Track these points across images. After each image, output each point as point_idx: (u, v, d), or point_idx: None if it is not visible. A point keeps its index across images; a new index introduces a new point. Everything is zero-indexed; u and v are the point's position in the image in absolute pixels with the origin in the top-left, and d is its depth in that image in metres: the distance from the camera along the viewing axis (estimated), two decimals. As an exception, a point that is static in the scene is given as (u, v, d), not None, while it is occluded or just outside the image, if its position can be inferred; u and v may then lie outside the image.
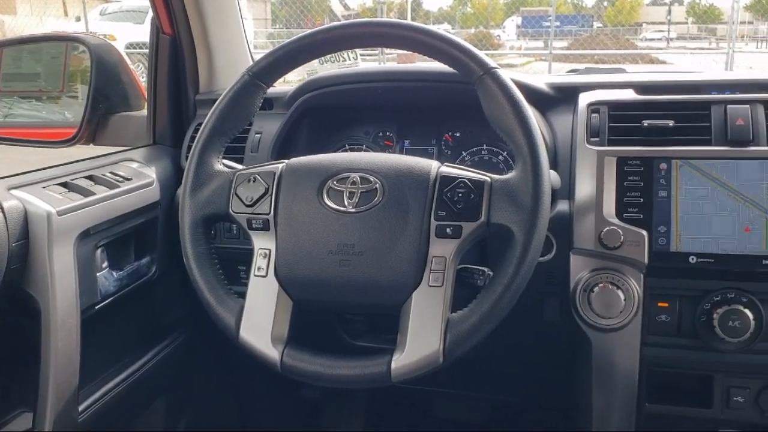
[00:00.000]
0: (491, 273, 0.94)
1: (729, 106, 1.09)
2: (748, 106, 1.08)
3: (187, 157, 1.03)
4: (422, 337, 0.89)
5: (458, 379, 1.53)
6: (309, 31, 1.03)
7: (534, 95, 1.22)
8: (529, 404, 1.68)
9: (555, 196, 1.14)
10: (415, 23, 0.99)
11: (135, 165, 1.38)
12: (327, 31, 1.01)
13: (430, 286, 0.90)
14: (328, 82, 1.35)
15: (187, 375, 1.62)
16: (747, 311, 1.03)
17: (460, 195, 0.91)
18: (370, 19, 1.03)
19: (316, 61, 1.58)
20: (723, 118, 1.08)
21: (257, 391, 1.82)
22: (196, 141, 1.02)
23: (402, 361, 0.89)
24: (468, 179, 0.92)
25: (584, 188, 1.12)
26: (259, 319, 0.94)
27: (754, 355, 1.07)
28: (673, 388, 1.16)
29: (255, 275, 0.96)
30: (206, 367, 1.69)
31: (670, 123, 1.10)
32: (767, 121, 1.07)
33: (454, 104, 1.27)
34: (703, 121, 1.10)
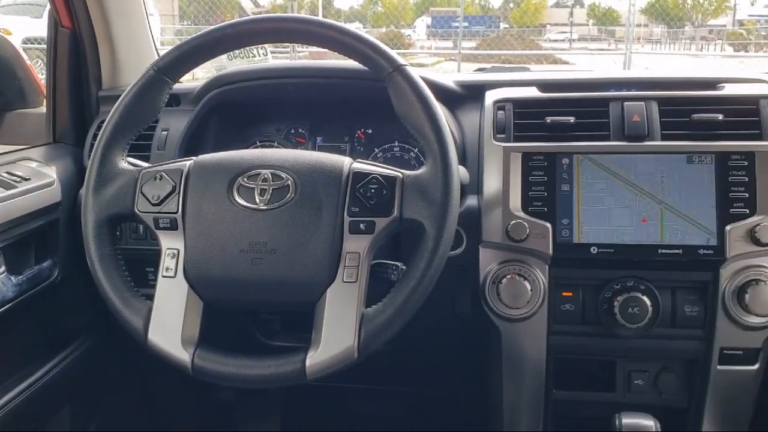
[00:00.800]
0: (404, 267, 0.95)
1: (626, 103, 1.15)
2: (643, 103, 1.14)
3: (89, 156, 0.99)
4: (337, 333, 0.89)
5: (374, 374, 1.54)
6: (217, 25, 1.01)
7: (443, 93, 1.24)
8: (444, 395, 1.71)
9: (464, 191, 1.17)
10: (325, 20, 0.99)
11: (34, 164, 1.31)
12: (236, 25, 1.00)
13: (345, 282, 0.90)
14: (237, 78, 1.33)
15: (96, 381, 1.56)
16: (645, 298, 1.09)
17: (372, 191, 0.92)
18: (280, 15, 1.02)
19: (224, 57, 1.55)
20: (620, 115, 1.14)
21: (169, 396, 1.78)
22: (98, 138, 0.99)
23: (317, 358, 0.89)
24: (380, 175, 0.93)
25: (492, 183, 1.15)
26: (169, 321, 0.92)
27: (652, 340, 1.13)
28: (578, 374, 1.21)
29: (163, 276, 0.93)
30: (115, 372, 1.63)
31: (572, 119, 1.14)
32: (661, 117, 1.13)
33: (366, 101, 1.28)
34: (602, 117, 1.15)
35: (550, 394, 1.21)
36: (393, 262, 1.00)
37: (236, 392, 1.78)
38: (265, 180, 0.94)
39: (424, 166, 0.93)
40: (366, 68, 0.98)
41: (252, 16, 1.02)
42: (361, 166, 0.95)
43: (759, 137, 1.09)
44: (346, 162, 0.95)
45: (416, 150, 1.34)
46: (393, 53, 0.96)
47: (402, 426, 1.82)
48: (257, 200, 0.93)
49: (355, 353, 0.89)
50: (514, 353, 1.18)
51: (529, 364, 1.18)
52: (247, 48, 1.62)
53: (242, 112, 1.39)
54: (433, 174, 0.91)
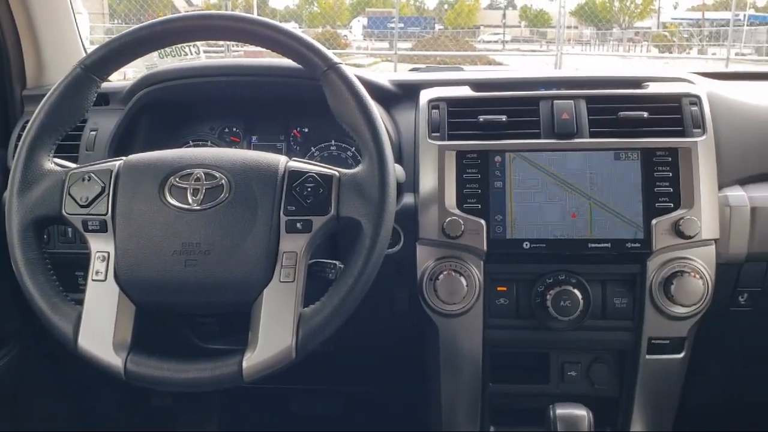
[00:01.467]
0: (342, 266, 0.95)
1: (555, 101, 1.17)
2: (572, 101, 1.17)
3: (14, 157, 0.96)
4: (274, 334, 0.88)
5: (314, 374, 1.54)
6: (147, 22, 0.99)
7: (378, 91, 1.25)
8: (384, 393, 1.72)
9: (401, 189, 1.18)
10: (258, 17, 0.98)
11: None
12: (167, 22, 0.98)
13: (282, 281, 0.90)
14: (168, 76, 1.30)
15: (25, 389, 1.50)
16: (576, 291, 1.12)
17: (309, 189, 0.92)
18: (212, 12, 1.01)
19: (155, 55, 1.51)
20: (550, 113, 1.16)
21: (103, 403, 1.73)
22: (23, 139, 0.95)
23: (254, 359, 0.88)
24: (316, 173, 0.93)
25: (427, 181, 1.16)
26: (99, 326, 0.89)
27: (584, 332, 1.16)
28: (514, 367, 1.24)
29: (93, 280, 0.91)
30: (45, 380, 1.58)
31: (504, 118, 1.16)
32: (589, 115, 1.16)
33: (302, 100, 1.27)
34: (533, 116, 1.17)
35: (487, 388, 1.23)
36: (331, 261, 1.00)
37: (173, 397, 1.75)
38: (197, 180, 0.92)
39: (361, 165, 0.93)
40: (301, 66, 0.98)
41: (184, 14, 1.00)
42: (297, 164, 0.94)
43: (681, 134, 1.14)
44: (281, 160, 0.94)
45: (353, 149, 1.34)
46: (327, 51, 0.96)
47: (343, 426, 1.82)
48: (190, 200, 0.91)
49: (293, 353, 0.88)
50: (451, 348, 1.20)
51: (466, 358, 1.20)
52: (179, 46, 1.59)
53: (174, 111, 1.36)
54: (370, 172, 0.91)
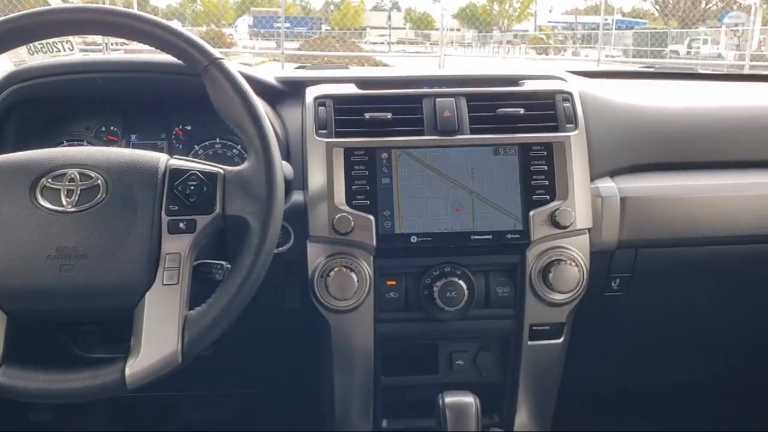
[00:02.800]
0: (229, 266, 0.94)
1: (437, 99, 1.20)
2: (453, 99, 1.21)
3: None
4: (158, 339, 0.85)
5: (204, 378, 1.50)
6: (12, 14, 0.93)
7: (262, 88, 1.23)
8: (278, 394, 1.70)
9: (290, 186, 1.17)
10: (133, 11, 0.95)
11: None
12: (35, 15, 0.92)
13: (165, 284, 0.87)
14: (38, 73, 1.23)
15: None
16: (461, 282, 1.15)
17: (192, 188, 0.89)
18: (85, 5, 0.96)
19: (24, 51, 1.43)
20: (433, 110, 1.19)
21: None
22: None
23: (137, 365, 0.85)
24: (200, 171, 0.91)
25: (316, 178, 1.16)
26: None
27: (470, 321, 1.20)
28: (404, 359, 1.26)
29: None
30: None
31: (389, 115, 1.18)
32: (469, 112, 1.20)
33: (183, 97, 1.24)
34: (416, 113, 1.20)
35: (379, 382, 1.24)
36: (217, 262, 0.98)
37: (54, 410, 1.65)
38: (72, 180, 0.88)
39: (246, 162, 0.92)
40: (181, 62, 0.95)
41: (55, 6, 0.95)
42: (178, 162, 0.92)
43: (555, 129, 1.20)
44: (162, 158, 0.92)
45: (239, 146, 1.32)
46: (208, 46, 0.94)
47: (237, 430, 1.79)
48: (64, 202, 0.87)
49: (179, 358, 0.86)
50: (343, 345, 1.21)
51: (358, 354, 1.21)
52: (51, 42, 1.51)
53: (46, 109, 1.29)
54: (256, 169, 0.90)
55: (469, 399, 1.06)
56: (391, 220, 1.15)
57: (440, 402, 1.07)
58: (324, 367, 1.26)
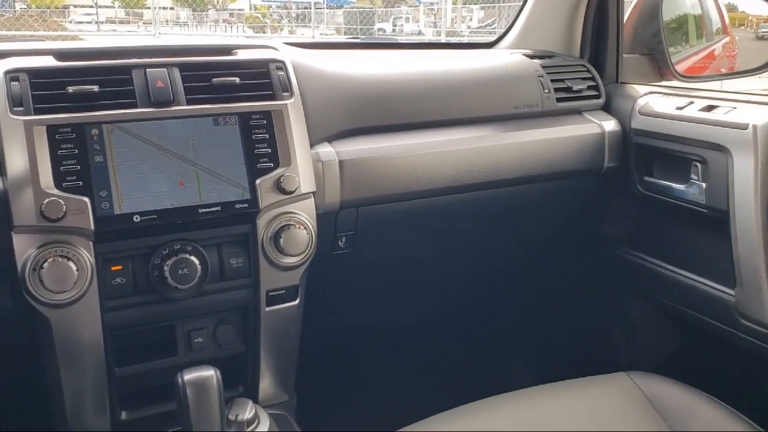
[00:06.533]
0: None
1: (148, 69, 1.15)
2: (165, 69, 1.16)
3: None
4: None
5: None
6: None
7: None
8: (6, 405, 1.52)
9: None
10: None
11: None
12: None
13: None
14: None
15: None
16: (193, 258, 1.13)
17: None
18: None
19: None
20: (144, 82, 1.14)
21: None
22: None
23: None
24: None
25: (16, 162, 1.05)
26: None
27: (206, 297, 1.18)
28: (140, 346, 1.20)
29: None
30: None
31: (95, 88, 1.10)
32: (184, 82, 1.17)
33: None
34: (127, 85, 1.13)
35: (113, 374, 1.17)
36: None
37: None
38: None
39: None
40: None
41: None
42: None
43: (272, 97, 1.21)
44: None
45: None
46: None
47: None
48: None
49: None
50: (67, 340, 1.11)
51: (85, 348, 1.13)
52: None
53: None
54: None
55: (209, 372, 1.04)
56: (110, 201, 1.08)
57: (179, 381, 1.04)
58: (48, 368, 1.15)
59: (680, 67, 1.75)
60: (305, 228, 1.20)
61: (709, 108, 1.41)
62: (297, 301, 1.27)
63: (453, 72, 1.52)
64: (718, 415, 1.10)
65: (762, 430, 1.07)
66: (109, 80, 1.12)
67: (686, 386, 1.17)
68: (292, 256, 1.20)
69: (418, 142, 1.39)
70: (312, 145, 1.26)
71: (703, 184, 1.40)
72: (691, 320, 1.50)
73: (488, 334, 2.01)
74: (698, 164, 1.41)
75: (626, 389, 1.16)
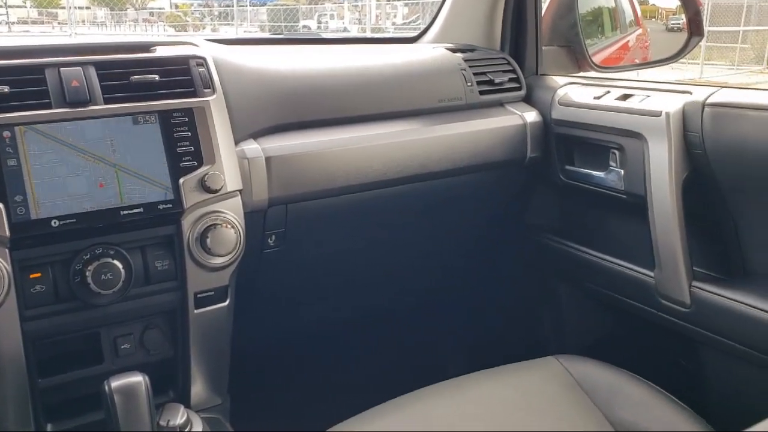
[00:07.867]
0: None
1: (62, 68, 1.11)
2: (80, 68, 1.12)
3: None
4: None
5: None
6: None
7: None
8: None
9: None
10: None
11: None
12: None
13: None
14: None
15: None
16: (116, 262, 1.09)
17: None
18: None
19: None
20: (59, 81, 1.10)
21: None
22: None
23: None
24: None
25: None
26: None
27: (132, 301, 1.14)
28: (64, 355, 1.16)
29: None
30: None
31: (6, 89, 1.06)
32: (101, 81, 1.13)
33: None
34: (40, 85, 1.09)
35: (36, 385, 1.13)
36: None
37: None
38: None
39: None
40: None
41: None
42: None
43: (193, 94, 1.19)
44: None
45: None
46: None
47: None
48: None
49: None
50: None
51: (5, 359, 1.08)
52: None
53: None
54: None
55: (137, 378, 1.02)
56: (25, 206, 1.04)
57: (106, 388, 1.00)
58: None
59: (597, 58, 1.81)
60: (233, 227, 1.18)
61: (625, 97, 1.46)
62: (227, 303, 1.25)
63: (378, 67, 1.52)
64: (642, 393, 1.15)
65: (682, 404, 1.12)
66: (20, 80, 1.08)
67: (612, 367, 1.21)
68: (219, 256, 1.18)
69: (345, 137, 1.38)
70: (237, 142, 1.24)
71: (621, 171, 1.45)
72: (616, 303, 1.55)
73: (420, 325, 2.03)
74: (616, 152, 1.46)
75: (555, 372, 1.19)
